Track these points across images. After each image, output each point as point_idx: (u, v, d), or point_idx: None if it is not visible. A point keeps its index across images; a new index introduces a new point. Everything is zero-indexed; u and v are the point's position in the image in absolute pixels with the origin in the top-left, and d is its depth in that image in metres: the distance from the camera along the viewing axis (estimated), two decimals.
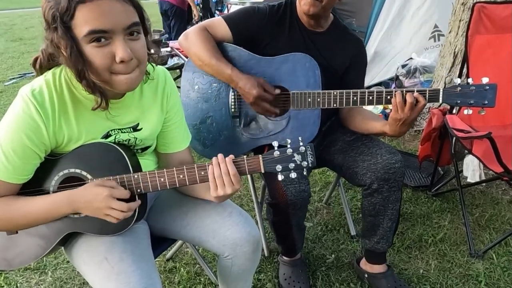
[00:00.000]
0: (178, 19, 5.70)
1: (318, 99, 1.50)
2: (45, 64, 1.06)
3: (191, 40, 1.57)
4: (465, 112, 1.37)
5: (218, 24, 1.60)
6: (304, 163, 1.12)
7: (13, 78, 5.38)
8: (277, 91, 1.54)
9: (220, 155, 1.10)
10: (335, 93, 1.47)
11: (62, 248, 1.25)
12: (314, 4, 1.50)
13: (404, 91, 1.39)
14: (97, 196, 1.04)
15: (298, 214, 1.57)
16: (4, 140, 1.01)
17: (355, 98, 1.45)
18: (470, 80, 1.33)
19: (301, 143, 1.12)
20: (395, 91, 1.39)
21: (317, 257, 1.94)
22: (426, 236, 2.05)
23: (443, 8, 3.57)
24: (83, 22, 0.92)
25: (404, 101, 1.37)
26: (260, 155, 1.12)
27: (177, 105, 1.27)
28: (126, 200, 1.08)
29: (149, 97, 1.18)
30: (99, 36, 0.94)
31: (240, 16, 1.61)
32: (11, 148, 1.01)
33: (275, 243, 1.85)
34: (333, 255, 1.95)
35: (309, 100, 1.51)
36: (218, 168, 1.09)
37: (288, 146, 1.12)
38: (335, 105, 1.48)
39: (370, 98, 1.44)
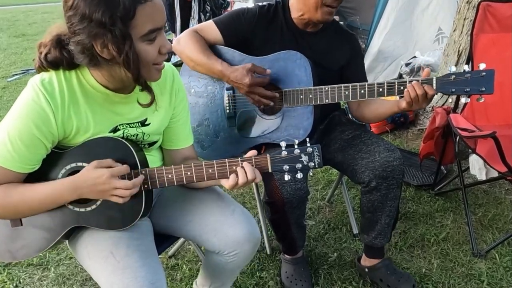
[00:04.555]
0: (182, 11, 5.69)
1: (310, 96, 1.50)
2: (47, 67, 1.05)
3: (183, 43, 1.57)
4: (463, 100, 1.34)
5: (208, 28, 1.61)
6: (311, 164, 1.13)
7: (16, 74, 5.38)
8: (269, 70, 1.52)
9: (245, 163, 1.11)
10: (326, 88, 1.47)
11: (66, 242, 1.25)
12: (332, 12, 1.52)
13: (396, 82, 1.38)
14: (99, 179, 1.04)
15: (295, 213, 1.57)
16: (12, 128, 1.02)
17: (346, 93, 1.45)
18: (466, 67, 1.30)
19: (308, 144, 1.13)
20: (406, 83, 1.37)
21: (319, 255, 1.94)
22: (429, 235, 2.04)
23: (448, 11, 3.57)
24: (143, 22, 0.95)
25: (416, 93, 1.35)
26: (268, 155, 1.12)
27: (184, 101, 1.29)
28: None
29: (157, 93, 1.18)
30: (155, 34, 0.99)
31: (230, 19, 1.61)
32: (18, 137, 1.01)
33: (277, 241, 1.85)
34: (335, 254, 1.94)
35: (301, 97, 1.51)
36: (245, 176, 1.10)
37: (296, 146, 1.13)
38: (327, 100, 1.48)
39: (362, 91, 1.43)
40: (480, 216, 2.17)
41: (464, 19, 2.77)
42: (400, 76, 3.45)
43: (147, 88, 1.07)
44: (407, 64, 3.42)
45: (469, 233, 1.98)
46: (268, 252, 1.95)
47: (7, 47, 7.25)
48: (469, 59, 2.05)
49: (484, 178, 2.01)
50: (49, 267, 1.90)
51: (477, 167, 2.00)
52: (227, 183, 1.13)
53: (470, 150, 1.88)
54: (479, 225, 2.11)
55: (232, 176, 1.12)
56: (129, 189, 1.06)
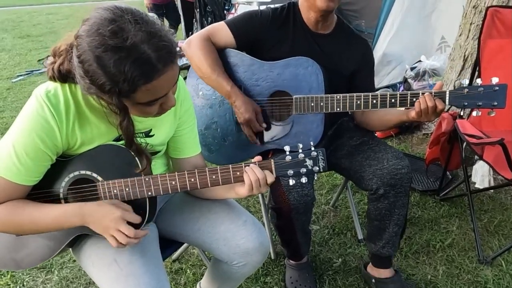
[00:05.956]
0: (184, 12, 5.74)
1: (321, 104, 1.49)
2: (58, 78, 1.04)
3: (193, 50, 1.56)
4: (474, 113, 1.35)
5: (220, 30, 1.60)
6: (316, 168, 1.12)
7: (20, 75, 5.39)
8: (264, 125, 1.57)
9: (252, 165, 1.11)
10: (338, 97, 1.46)
11: (70, 249, 1.24)
12: None
13: (409, 94, 1.38)
14: (109, 215, 1.03)
15: (301, 219, 1.56)
16: (17, 141, 1.01)
17: (358, 102, 1.44)
18: (478, 81, 1.30)
19: (312, 148, 1.12)
20: (419, 94, 1.37)
21: (323, 261, 1.93)
22: (434, 241, 2.03)
23: (451, 19, 3.56)
24: (144, 96, 0.93)
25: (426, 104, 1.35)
26: (272, 159, 1.11)
27: (190, 110, 1.27)
28: (136, 226, 1.07)
29: None
30: (156, 101, 0.97)
31: (243, 20, 1.61)
32: (23, 150, 1.00)
33: (281, 246, 1.84)
34: (340, 259, 1.93)
35: (312, 104, 1.50)
36: (255, 174, 1.10)
37: (300, 151, 1.12)
38: (338, 109, 1.47)
39: (374, 101, 1.42)
40: (486, 222, 2.16)
41: (470, 23, 2.75)
42: (405, 80, 3.43)
43: (140, 155, 1.07)
44: (412, 68, 3.41)
45: (475, 240, 1.96)
46: (273, 257, 1.94)
47: (12, 48, 7.27)
48: (476, 65, 2.04)
49: (486, 185, 1.99)
50: (52, 270, 1.90)
51: (479, 174, 1.98)
52: (243, 188, 1.12)
53: (476, 157, 1.87)
54: (485, 231, 2.10)
55: (246, 177, 1.10)
56: (130, 237, 1.04)
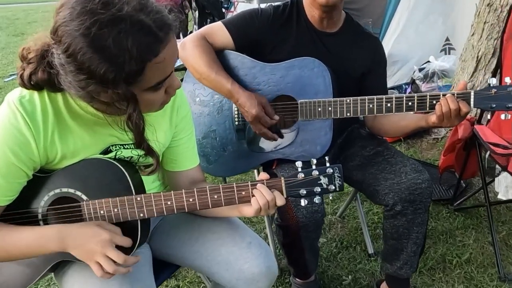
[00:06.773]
0: None
1: (329, 108, 1.34)
2: (30, 88, 0.90)
3: (188, 50, 1.42)
4: (503, 117, 1.21)
5: (217, 30, 1.45)
6: (331, 187, 0.98)
7: (13, 74, 5.25)
8: (276, 117, 1.41)
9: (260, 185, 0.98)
10: (347, 101, 1.32)
11: (52, 274, 1.10)
12: None
13: (428, 96, 1.24)
14: (95, 237, 0.90)
15: (311, 237, 1.43)
16: None
17: (370, 106, 1.30)
18: (507, 80, 1.17)
19: (327, 164, 0.98)
20: (440, 96, 1.23)
21: (332, 278, 1.79)
22: (450, 256, 1.89)
23: (456, 19, 3.45)
24: (151, 77, 0.81)
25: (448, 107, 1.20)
26: (282, 178, 0.97)
27: (187, 117, 1.13)
28: (125, 251, 0.93)
29: (157, 112, 1.02)
30: (163, 83, 0.86)
31: (242, 20, 1.47)
32: None
33: (287, 264, 1.70)
34: (350, 276, 1.79)
35: (319, 109, 1.36)
36: (263, 197, 0.96)
37: (313, 167, 0.98)
38: (348, 114, 1.33)
39: (389, 105, 1.28)
40: (504, 235, 2.02)
41: (484, 22, 2.61)
42: (413, 81, 3.29)
43: (150, 153, 0.96)
44: (420, 69, 3.27)
45: (494, 254, 1.82)
46: (277, 274, 1.79)
47: (6, 46, 7.13)
48: (498, 67, 1.90)
49: (510, 197, 1.85)
50: (38, 287, 1.76)
51: (503, 185, 1.84)
52: (248, 207, 0.99)
53: (499, 168, 1.73)
54: (504, 245, 1.96)
55: (254, 200, 0.97)
56: (119, 263, 0.90)
